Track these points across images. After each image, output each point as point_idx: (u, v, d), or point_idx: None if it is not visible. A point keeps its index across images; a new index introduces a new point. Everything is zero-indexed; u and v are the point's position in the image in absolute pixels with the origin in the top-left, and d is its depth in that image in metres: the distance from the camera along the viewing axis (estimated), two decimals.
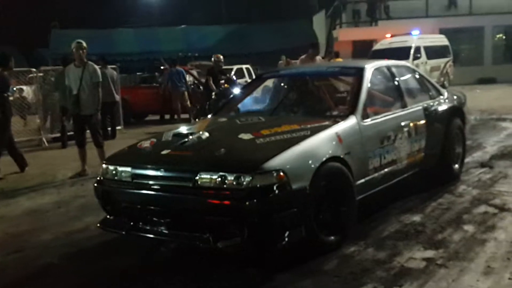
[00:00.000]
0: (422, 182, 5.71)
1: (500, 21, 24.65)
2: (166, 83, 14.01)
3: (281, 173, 3.62)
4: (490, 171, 6.32)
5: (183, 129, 4.86)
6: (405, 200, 5.24)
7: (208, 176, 3.68)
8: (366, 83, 4.87)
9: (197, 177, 3.71)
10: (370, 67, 5.12)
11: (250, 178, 3.56)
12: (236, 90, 11.48)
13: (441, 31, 21.71)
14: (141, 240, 4.38)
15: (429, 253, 3.86)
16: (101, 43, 22.88)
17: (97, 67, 7.43)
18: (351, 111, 4.60)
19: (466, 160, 6.55)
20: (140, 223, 4.04)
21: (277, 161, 3.69)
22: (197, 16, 32.10)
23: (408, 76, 5.87)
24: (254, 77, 20.24)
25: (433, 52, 18.65)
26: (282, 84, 6.02)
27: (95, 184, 4.36)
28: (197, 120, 12.08)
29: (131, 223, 4.08)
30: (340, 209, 4.11)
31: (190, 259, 4.14)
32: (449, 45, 19.39)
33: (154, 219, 3.97)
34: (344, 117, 4.55)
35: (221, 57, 11.54)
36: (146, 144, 4.49)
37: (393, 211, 4.92)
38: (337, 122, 4.43)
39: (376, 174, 4.64)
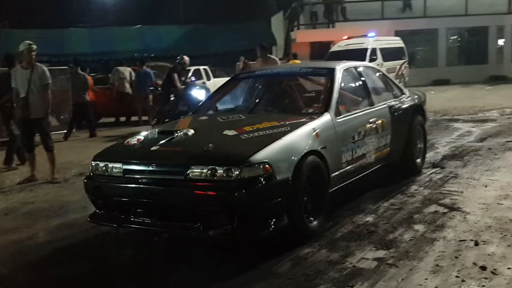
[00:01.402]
0: (375, 182, 5.79)
1: (453, 24, 25.43)
2: (133, 84, 13.72)
3: (267, 166, 3.90)
4: (441, 171, 6.46)
5: (167, 127, 5.16)
6: (359, 200, 5.30)
7: (199, 170, 3.92)
8: (338, 83, 5.23)
9: (189, 171, 3.92)
10: (340, 68, 5.48)
11: (239, 170, 3.81)
12: (196, 92, 11.46)
13: (397, 33, 22.16)
14: (97, 244, 4.37)
15: (380, 253, 3.90)
16: (53, 43, 22.33)
17: (46, 68, 7.21)
18: (326, 109, 4.94)
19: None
20: (132, 216, 4.21)
21: (263, 154, 3.97)
22: (153, 16, 31.74)
23: (374, 76, 6.28)
24: (211, 78, 20.32)
25: (389, 54, 19.00)
26: (257, 84, 6.30)
27: (85, 180, 4.53)
28: (155, 122, 12.02)
29: (122, 216, 4.24)
30: (318, 198, 4.43)
31: (146, 266, 4.07)
32: (404, 47, 19.81)
33: (146, 211, 4.17)
34: (319, 114, 4.88)
35: (187, 58, 11.42)
36: (134, 141, 4.67)
37: (347, 212, 4.96)
38: (314, 118, 4.75)
39: (348, 167, 5.00)
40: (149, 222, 4.16)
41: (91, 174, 4.49)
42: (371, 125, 5.41)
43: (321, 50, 21.76)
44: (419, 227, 4.43)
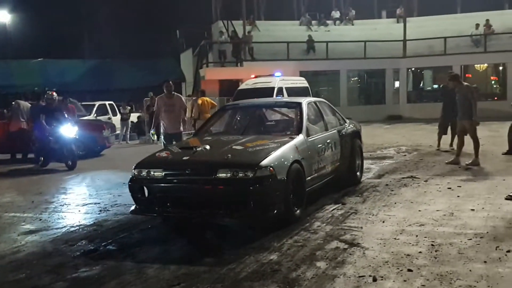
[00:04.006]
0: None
1: (354, 66, 26.90)
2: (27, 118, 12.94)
3: (271, 168, 5.52)
4: (342, 207, 6.65)
5: (184, 144, 6.80)
6: (263, 239, 5.30)
7: (224, 172, 5.47)
8: (306, 112, 7.04)
9: (217, 173, 5.47)
10: (305, 102, 7.31)
11: (254, 172, 5.42)
12: (66, 130, 11.13)
13: (301, 74, 23.02)
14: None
15: None
16: None
17: None
18: (299, 131, 6.69)
19: (320, 197, 7.02)
20: (169, 208, 5.72)
21: (268, 160, 5.60)
22: (56, 50, 30.70)
23: (326, 108, 8.10)
24: (118, 113, 19.82)
25: (295, 93, 19.49)
26: (242, 113, 7.97)
27: (130, 183, 5.90)
28: (41, 159, 11.49)
29: (161, 208, 5.71)
30: (299, 194, 6.02)
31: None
32: (309, 86, 20.55)
33: (182, 203, 5.70)
34: (295, 135, 6.60)
35: (55, 94, 11.21)
36: (163, 154, 6.29)
37: (251, 250, 4.93)
38: (293, 138, 6.48)
39: (316, 174, 6.72)
40: (185, 211, 5.72)
41: (134, 178, 5.84)
42: (328, 144, 7.24)
43: (229, 88, 22.04)
44: (321, 264, 4.49)
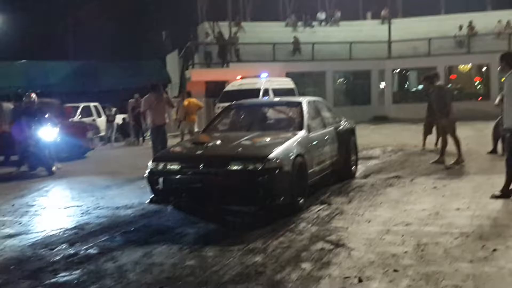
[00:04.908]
0: (265, 219, 5.80)
1: (339, 67, 26.98)
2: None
3: (278, 161, 5.98)
4: (328, 207, 6.59)
5: (196, 140, 7.47)
6: (249, 240, 5.22)
7: (236, 165, 5.92)
8: (306, 110, 7.53)
9: (229, 166, 5.92)
10: (305, 101, 7.89)
11: (263, 164, 5.87)
12: (44, 132, 10.90)
13: (288, 75, 23.01)
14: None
15: None
16: None
17: None
18: (301, 127, 7.18)
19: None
20: (184, 198, 6.17)
21: (275, 153, 6.07)
22: (40, 51, 30.36)
23: (324, 107, 8.74)
24: (102, 115, 19.62)
25: (281, 94, 19.49)
26: (246, 112, 8.49)
27: (148, 175, 6.32)
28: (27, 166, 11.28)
29: (176, 198, 6.22)
30: (302, 186, 6.44)
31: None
32: (295, 88, 20.52)
33: (196, 193, 6.10)
34: (298, 131, 7.08)
35: (33, 95, 11.01)
36: (178, 149, 7.15)
37: (236, 253, 4.85)
38: (296, 134, 6.96)
39: (316, 168, 7.18)
40: (200, 200, 6.20)
41: (152, 170, 6.27)
42: (327, 140, 7.72)
43: (216, 89, 21.97)
44: (306, 265, 4.42)
